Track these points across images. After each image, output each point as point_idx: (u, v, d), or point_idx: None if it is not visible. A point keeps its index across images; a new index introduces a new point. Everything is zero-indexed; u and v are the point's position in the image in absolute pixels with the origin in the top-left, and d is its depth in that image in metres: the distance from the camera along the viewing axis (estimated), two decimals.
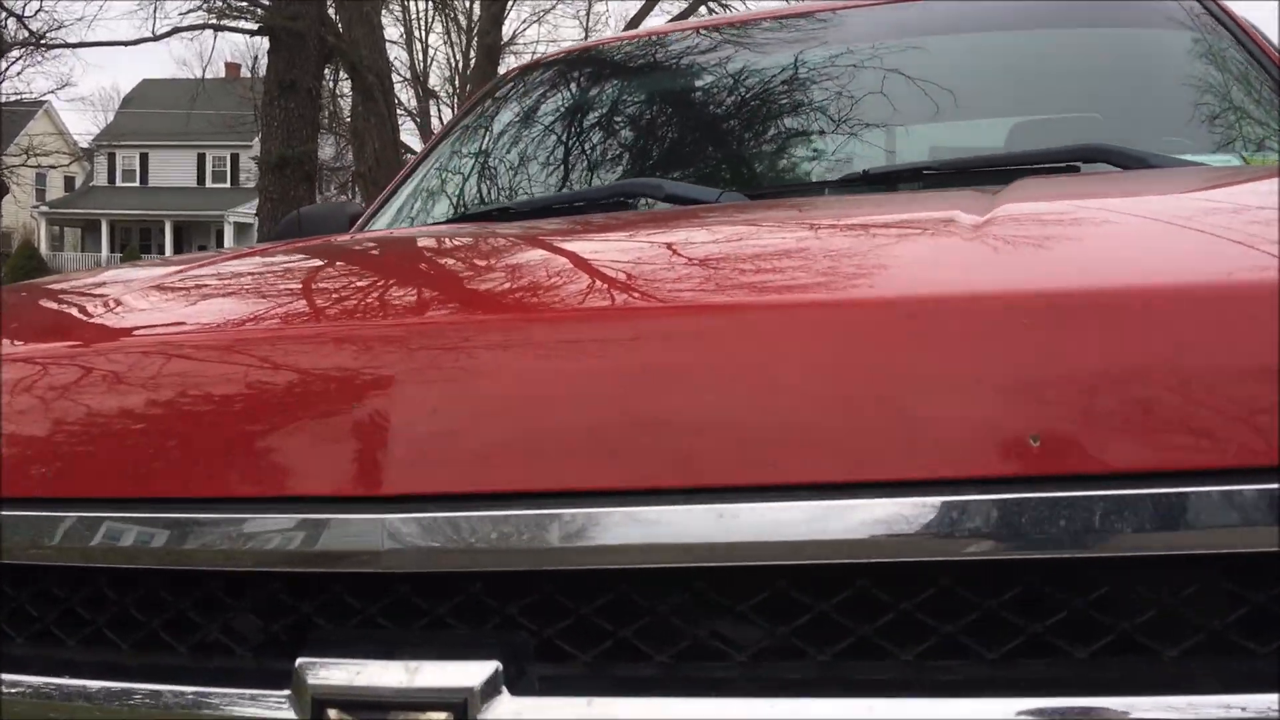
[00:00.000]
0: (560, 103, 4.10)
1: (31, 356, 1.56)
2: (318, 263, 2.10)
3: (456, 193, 3.71)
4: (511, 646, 1.26)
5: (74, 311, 1.96)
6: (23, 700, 1.41)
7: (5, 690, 1.42)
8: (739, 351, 1.25)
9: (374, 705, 1.26)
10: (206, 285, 1.96)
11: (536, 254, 1.85)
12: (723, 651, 1.23)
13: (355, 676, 1.27)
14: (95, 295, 2.00)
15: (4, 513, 1.40)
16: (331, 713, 1.27)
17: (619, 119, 3.91)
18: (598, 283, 1.54)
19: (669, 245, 1.84)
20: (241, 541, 1.32)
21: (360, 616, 1.33)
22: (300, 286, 1.87)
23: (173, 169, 70.24)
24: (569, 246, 1.94)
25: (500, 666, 1.24)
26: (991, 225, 1.57)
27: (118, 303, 1.88)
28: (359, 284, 1.88)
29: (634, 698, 1.21)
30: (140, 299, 1.89)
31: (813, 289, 1.43)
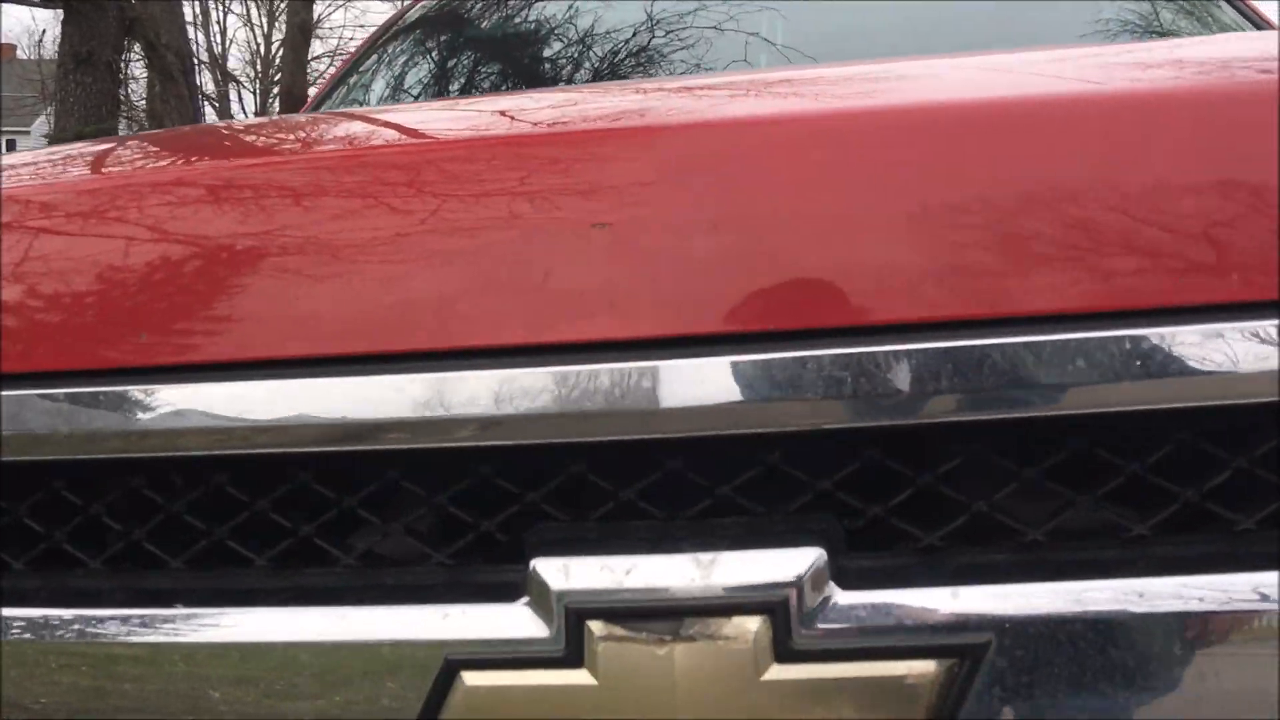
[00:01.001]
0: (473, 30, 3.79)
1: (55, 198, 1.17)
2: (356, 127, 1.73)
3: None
4: (829, 532, 0.98)
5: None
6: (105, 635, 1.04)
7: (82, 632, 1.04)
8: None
9: (652, 613, 0.96)
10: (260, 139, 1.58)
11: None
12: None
13: (624, 577, 0.96)
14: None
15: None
16: (594, 626, 0.96)
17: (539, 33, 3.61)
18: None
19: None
20: (433, 405, 0.99)
21: (610, 502, 1.01)
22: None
23: None
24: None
25: (825, 554, 0.96)
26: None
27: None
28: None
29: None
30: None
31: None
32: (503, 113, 1.43)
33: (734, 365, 0.96)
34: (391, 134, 1.35)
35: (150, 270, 1.09)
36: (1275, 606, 0.91)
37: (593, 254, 0.99)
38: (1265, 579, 0.92)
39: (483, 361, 1.00)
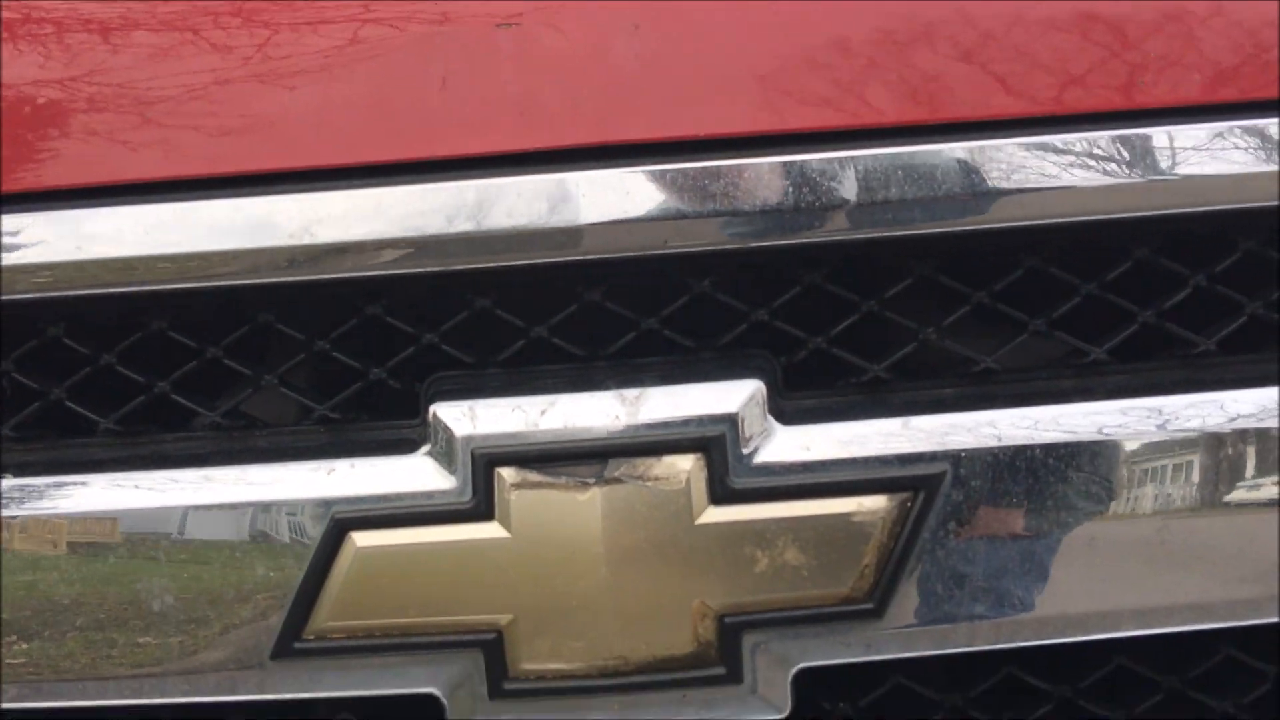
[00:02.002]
0: None
1: None
2: None
3: None
4: (766, 368, 0.88)
5: None
6: None
7: None
8: None
9: (571, 456, 0.84)
10: None
11: None
12: None
13: (538, 418, 0.85)
14: None
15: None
16: (506, 473, 0.84)
17: None
18: None
19: None
20: (307, 231, 0.86)
21: (520, 341, 0.89)
22: None
23: None
24: None
25: (763, 387, 0.86)
26: None
27: None
28: None
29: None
30: None
31: None
32: None
33: (660, 174, 0.85)
34: None
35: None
36: (1238, 425, 0.85)
37: (497, 57, 0.87)
38: (1227, 398, 0.86)
39: (368, 180, 0.86)
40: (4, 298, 0.87)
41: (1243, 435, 0.86)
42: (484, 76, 0.87)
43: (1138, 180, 0.85)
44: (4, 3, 0.98)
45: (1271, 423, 0.86)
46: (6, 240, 0.87)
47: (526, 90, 0.86)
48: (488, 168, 0.86)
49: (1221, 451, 0.86)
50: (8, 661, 0.87)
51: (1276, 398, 0.86)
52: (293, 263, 0.86)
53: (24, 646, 0.87)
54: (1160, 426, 0.86)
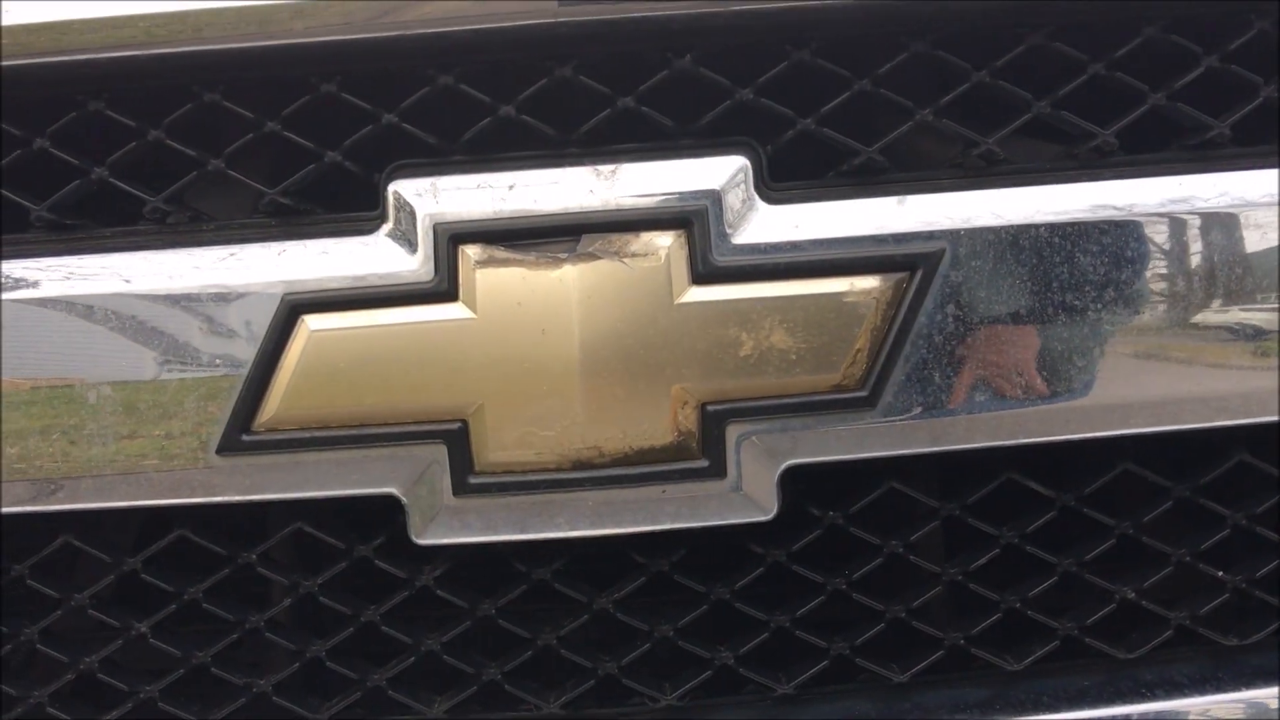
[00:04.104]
0: None
1: None
2: None
3: None
4: (751, 148, 0.82)
5: None
6: None
7: None
8: None
9: (542, 232, 0.78)
10: None
11: None
12: None
13: (505, 194, 0.79)
14: None
15: None
16: (471, 250, 0.78)
17: None
18: None
19: None
20: None
21: (489, 118, 0.83)
22: None
23: None
24: None
25: (747, 164, 0.80)
26: None
27: None
28: None
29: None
30: None
31: None
32: None
33: None
34: None
35: None
36: (1247, 204, 0.79)
37: None
38: (1239, 180, 0.81)
39: None
40: None
41: (1253, 217, 0.80)
42: None
43: None
44: None
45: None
46: None
47: None
48: None
49: (1233, 234, 0.81)
50: None
51: None
52: (242, 24, 0.79)
53: None
54: (1173, 202, 0.80)
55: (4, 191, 0.84)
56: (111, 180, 0.83)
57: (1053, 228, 0.79)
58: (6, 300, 0.80)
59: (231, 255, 0.80)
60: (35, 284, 0.81)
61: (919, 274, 0.78)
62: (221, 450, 0.79)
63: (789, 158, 0.83)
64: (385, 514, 0.81)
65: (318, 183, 0.84)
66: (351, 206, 0.84)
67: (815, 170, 0.83)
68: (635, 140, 0.83)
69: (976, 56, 0.84)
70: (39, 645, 0.85)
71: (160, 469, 0.80)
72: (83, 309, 0.80)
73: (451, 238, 0.77)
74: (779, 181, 0.82)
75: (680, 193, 0.78)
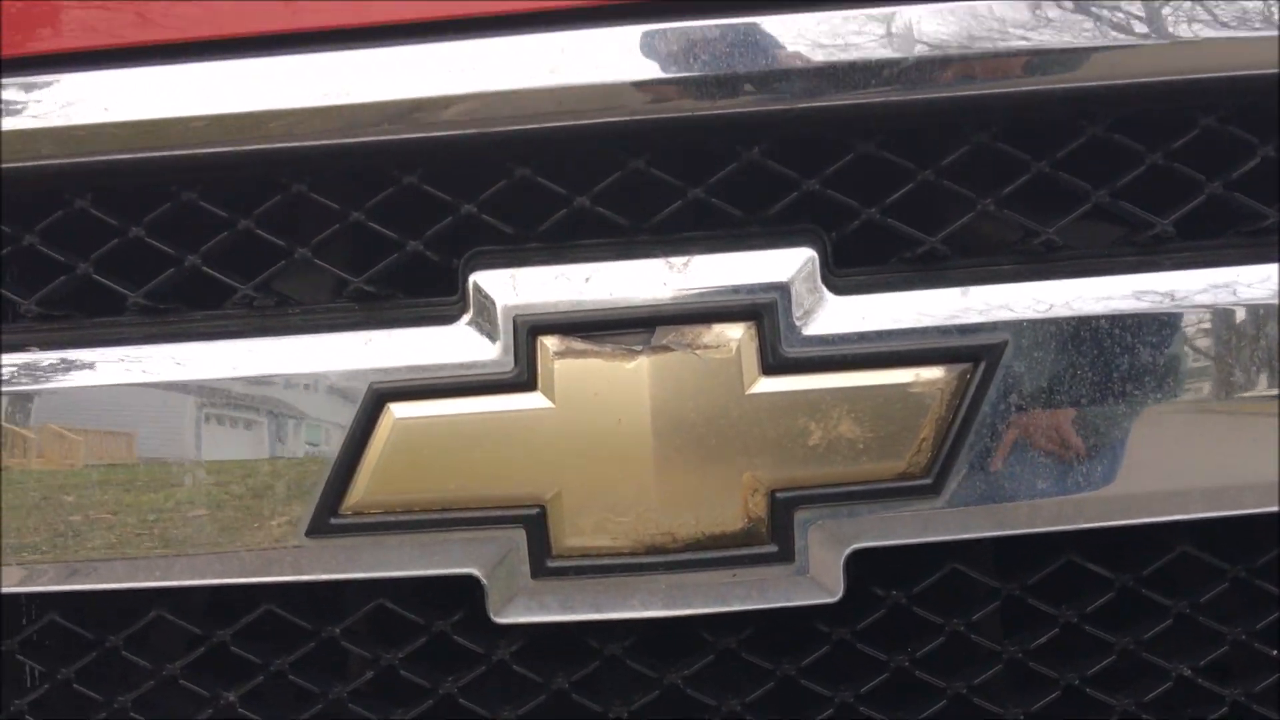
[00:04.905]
0: None
1: None
2: None
3: None
4: (818, 238, 0.85)
5: None
6: None
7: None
8: None
9: (617, 324, 0.81)
10: None
11: None
12: None
13: (583, 285, 0.82)
14: None
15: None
16: (549, 341, 0.81)
17: None
18: None
19: None
20: (341, 90, 0.83)
21: (564, 209, 0.86)
22: None
23: None
24: None
25: (816, 255, 0.83)
26: None
27: None
28: None
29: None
30: None
31: None
32: None
33: (709, 30, 0.81)
34: None
35: None
36: None
37: None
38: None
39: (404, 38, 0.83)
40: (28, 163, 0.85)
41: None
42: None
43: (1219, 35, 0.82)
44: None
45: None
46: (30, 102, 0.84)
47: None
48: (530, 24, 0.83)
49: None
50: (32, 541, 0.85)
51: None
52: (326, 122, 0.83)
53: (48, 526, 0.85)
54: (1233, 294, 0.82)
55: (98, 278, 0.88)
56: (206, 269, 0.87)
57: (1112, 319, 0.81)
58: (111, 385, 0.84)
59: (321, 344, 0.84)
60: (141, 368, 0.85)
61: (982, 365, 0.80)
62: (311, 533, 0.82)
63: (854, 239, 0.86)
64: (461, 591, 0.85)
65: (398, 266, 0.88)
66: (429, 287, 0.88)
67: (880, 249, 0.86)
68: (706, 226, 0.86)
69: (1037, 144, 0.86)
70: (132, 715, 0.89)
71: (251, 548, 0.83)
72: (181, 394, 0.83)
73: (530, 329, 0.81)
74: (844, 267, 0.85)
75: (750, 285, 0.81)
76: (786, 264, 0.82)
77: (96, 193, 0.88)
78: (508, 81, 0.81)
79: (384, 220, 0.87)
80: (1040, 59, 0.82)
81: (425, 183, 0.86)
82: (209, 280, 0.89)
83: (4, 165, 0.85)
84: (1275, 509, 0.83)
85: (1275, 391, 0.82)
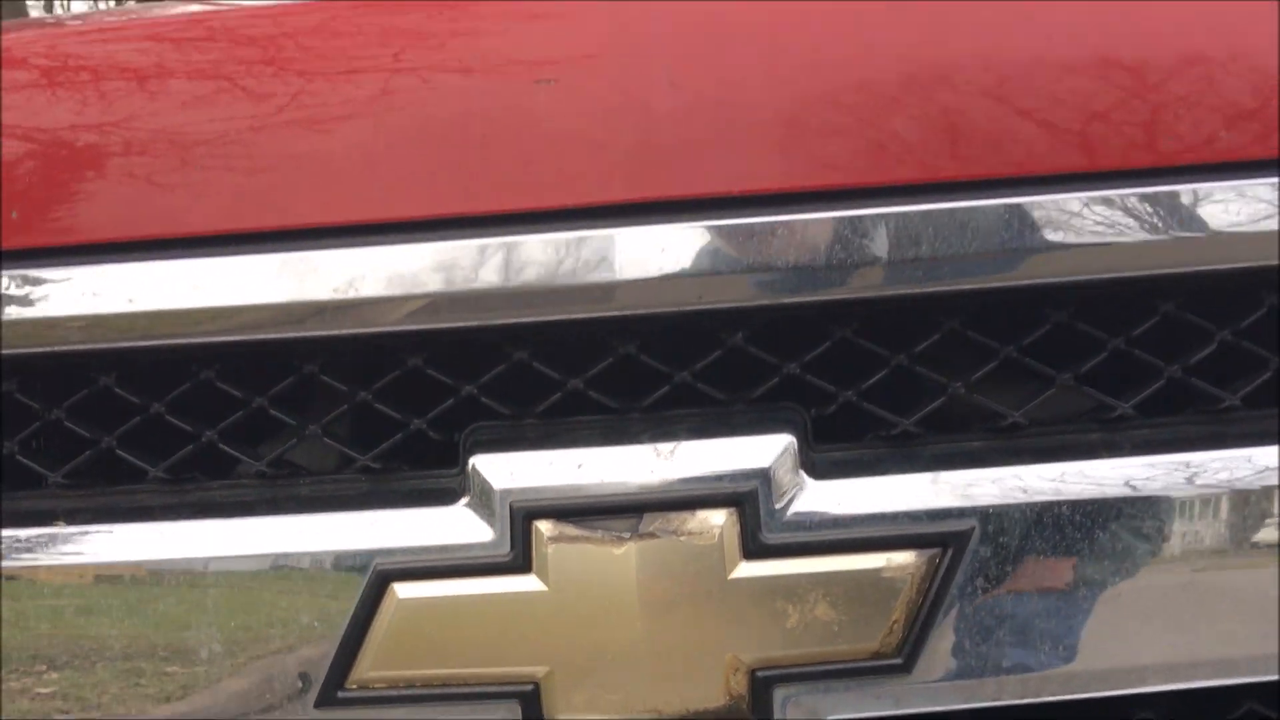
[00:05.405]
0: None
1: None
2: None
3: None
4: (796, 421, 0.90)
5: None
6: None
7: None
8: None
9: (608, 510, 0.86)
10: None
11: None
12: None
13: (575, 472, 0.87)
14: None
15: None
16: (543, 526, 0.86)
17: None
18: None
19: None
20: (354, 285, 0.88)
21: (558, 392, 0.91)
22: None
23: None
24: None
25: (794, 441, 0.88)
26: None
27: None
28: None
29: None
30: None
31: None
32: None
33: (693, 231, 0.87)
34: None
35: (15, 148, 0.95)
36: (1270, 481, 0.86)
37: (535, 113, 0.89)
38: (1256, 454, 0.88)
39: (410, 235, 0.89)
40: (59, 349, 0.90)
41: (1271, 491, 0.87)
42: (523, 133, 0.89)
43: (1164, 238, 0.87)
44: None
45: None
46: (62, 293, 0.90)
47: (564, 147, 0.88)
48: (527, 223, 0.88)
49: (1249, 506, 0.87)
50: (40, 697, 0.90)
51: None
52: (336, 316, 0.89)
53: (55, 687, 0.90)
54: (1188, 481, 0.87)
55: (122, 453, 0.94)
56: (222, 446, 0.93)
57: (1074, 505, 0.86)
58: (131, 561, 0.89)
59: (329, 522, 0.89)
60: (160, 544, 0.90)
61: (950, 551, 0.85)
62: (319, 704, 0.87)
63: (834, 414, 0.92)
64: None
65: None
66: (432, 454, 0.93)
67: (859, 419, 0.91)
68: (694, 402, 0.91)
69: (1004, 330, 0.91)
70: None
71: (260, 718, 0.89)
72: (200, 569, 0.89)
73: (526, 515, 0.86)
74: (825, 434, 0.90)
75: (732, 473, 0.86)
76: (767, 451, 0.87)
77: (120, 372, 0.93)
78: (504, 279, 0.87)
79: (390, 399, 0.93)
80: (1007, 259, 0.87)
81: (429, 366, 0.92)
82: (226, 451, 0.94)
83: (34, 350, 0.91)
84: (1229, 681, 0.88)
85: (1229, 573, 0.87)
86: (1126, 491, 0.87)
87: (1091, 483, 0.87)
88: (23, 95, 0.98)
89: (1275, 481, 0.87)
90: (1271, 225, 0.87)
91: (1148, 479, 0.87)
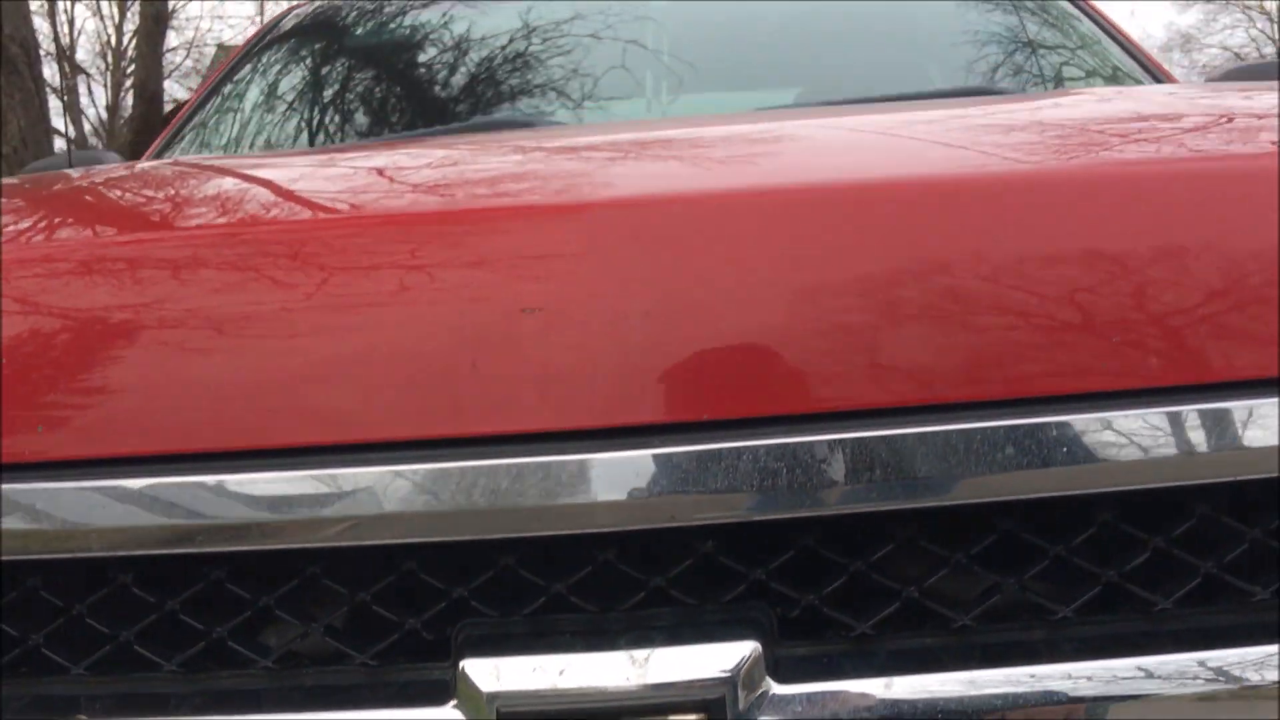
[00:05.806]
0: (360, 39, 3.68)
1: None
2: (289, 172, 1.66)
3: (278, 126, 3.20)
4: (763, 622, 0.98)
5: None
6: None
7: None
8: None
9: (587, 715, 0.94)
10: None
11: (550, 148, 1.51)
12: None
13: (557, 678, 0.94)
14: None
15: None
16: None
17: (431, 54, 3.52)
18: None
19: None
20: (354, 503, 0.96)
21: (541, 598, 0.99)
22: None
23: None
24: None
25: (759, 647, 0.95)
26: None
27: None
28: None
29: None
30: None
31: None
32: (409, 182, 1.38)
33: (664, 458, 0.95)
34: (293, 206, 1.29)
35: (25, 359, 1.02)
36: (1206, 685, 0.93)
37: (522, 342, 0.97)
38: (1186, 660, 0.95)
39: (404, 455, 0.96)
40: (80, 555, 0.98)
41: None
42: (510, 360, 0.97)
43: (1093, 465, 0.95)
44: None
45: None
46: (83, 507, 0.97)
47: (546, 374, 0.96)
48: (513, 445, 0.96)
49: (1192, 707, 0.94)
50: None
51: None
52: (337, 529, 0.96)
53: None
54: (1133, 682, 0.94)
55: (139, 649, 1.01)
56: (230, 643, 1.00)
57: (1017, 709, 0.94)
58: None
59: None
60: None
61: None
62: None
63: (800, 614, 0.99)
64: None
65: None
66: (425, 647, 1.00)
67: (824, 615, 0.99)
68: (668, 603, 0.99)
69: (957, 537, 0.99)
70: None
71: None
72: None
73: (511, 718, 0.93)
74: (791, 630, 0.98)
75: (703, 680, 0.94)
76: (734, 657, 0.95)
77: (138, 573, 1.01)
78: (492, 501, 0.95)
79: (386, 599, 1.00)
80: (949, 482, 0.95)
81: (423, 571, 0.99)
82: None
83: (57, 556, 0.98)
84: None
85: None
86: (1068, 692, 0.94)
87: (1032, 685, 0.95)
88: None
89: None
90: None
91: (1090, 683, 0.95)
